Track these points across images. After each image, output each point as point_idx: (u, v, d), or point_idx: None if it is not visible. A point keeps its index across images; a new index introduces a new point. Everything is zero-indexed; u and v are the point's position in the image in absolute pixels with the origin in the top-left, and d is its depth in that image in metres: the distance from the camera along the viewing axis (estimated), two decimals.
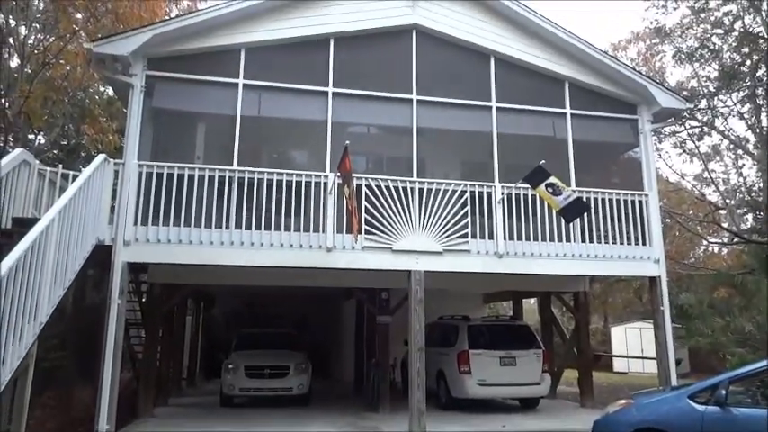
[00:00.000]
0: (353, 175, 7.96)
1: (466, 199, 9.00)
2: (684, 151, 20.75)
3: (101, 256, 7.78)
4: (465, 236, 8.86)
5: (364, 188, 8.65)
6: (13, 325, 5.41)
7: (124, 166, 8.11)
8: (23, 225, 6.85)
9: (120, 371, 7.95)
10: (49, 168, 8.63)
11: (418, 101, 9.31)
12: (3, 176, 7.08)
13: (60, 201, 6.69)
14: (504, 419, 9.45)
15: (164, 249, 8.00)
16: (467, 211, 8.95)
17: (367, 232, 8.48)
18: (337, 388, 14.33)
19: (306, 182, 8.54)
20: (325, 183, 8.59)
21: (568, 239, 9.22)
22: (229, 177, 8.39)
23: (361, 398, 11.79)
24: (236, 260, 8.17)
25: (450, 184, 9.03)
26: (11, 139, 13.13)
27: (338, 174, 8.11)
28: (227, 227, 8.21)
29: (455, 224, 8.87)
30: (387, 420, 9.32)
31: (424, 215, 8.79)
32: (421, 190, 8.89)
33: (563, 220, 8.86)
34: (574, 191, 9.19)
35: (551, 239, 9.15)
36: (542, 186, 8.27)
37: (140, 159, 8.21)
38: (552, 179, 8.24)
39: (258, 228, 8.27)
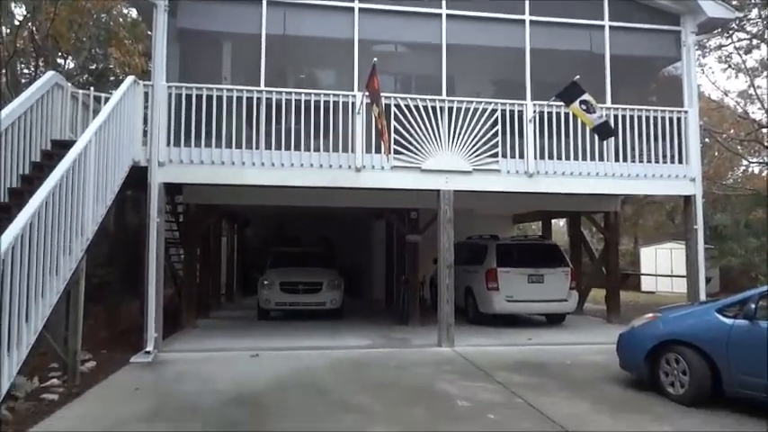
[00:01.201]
0: (382, 94, 7.85)
1: (496, 117, 8.83)
2: (730, 66, 19.62)
3: (138, 177, 8.01)
4: (495, 155, 8.78)
5: (393, 108, 8.55)
6: (62, 239, 5.73)
7: (153, 87, 8.16)
8: (62, 147, 7.08)
9: (163, 287, 8.40)
10: (81, 91, 8.75)
11: (448, 15, 8.95)
12: (40, 97, 7.21)
13: (95, 122, 6.85)
14: (530, 333, 9.75)
15: (196, 170, 8.18)
16: (497, 130, 8.81)
17: (396, 152, 8.47)
18: (368, 305, 14.89)
19: (333, 101, 8.47)
20: (353, 102, 8.51)
21: (602, 158, 9.04)
22: (257, 98, 8.37)
23: (392, 314, 12.26)
24: (265, 180, 8.31)
25: (481, 102, 8.84)
26: (41, 64, 13.23)
27: (366, 93, 8.01)
28: (256, 147, 8.30)
29: (485, 143, 8.77)
30: (416, 333, 9.73)
31: (454, 134, 8.69)
32: (450, 109, 8.74)
33: (596, 139, 8.68)
34: (608, 109, 8.94)
35: (584, 158, 8.99)
36: (576, 103, 8.04)
37: (168, 81, 8.23)
38: (586, 96, 8.00)
39: (287, 148, 8.33)
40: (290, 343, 8.65)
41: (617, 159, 9.09)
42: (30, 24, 13.30)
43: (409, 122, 8.57)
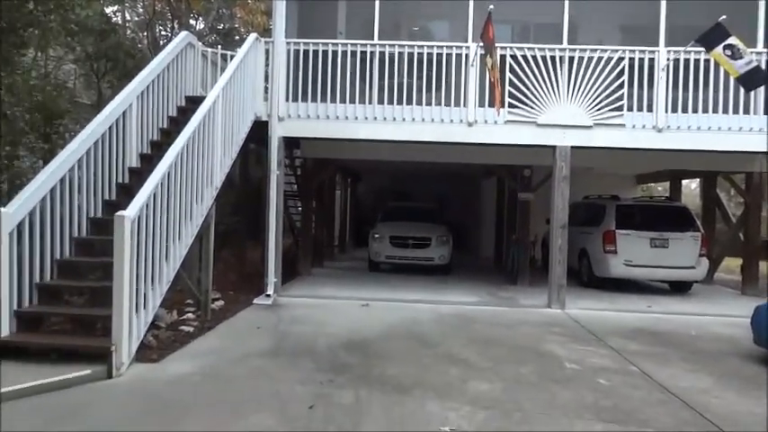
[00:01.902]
0: (496, 45, 7.53)
1: (623, 67, 8.13)
2: None
3: (260, 131, 8.48)
4: (619, 108, 8.14)
5: (508, 59, 8.18)
6: (196, 188, 6.27)
7: (273, 44, 8.47)
8: (194, 102, 7.65)
9: (282, 237, 8.94)
10: (210, 49, 9.34)
11: None
12: (176, 56, 7.80)
13: (222, 79, 7.29)
14: (649, 301, 9.19)
15: (312, 124, 8.48)
16: (623, 81, 8.13)
17: (510, 105, 8.16)
18: (476, 263, 14.82)
19: (447, 54, 8.28)
20: (466, 54, 8.26)
21: (747, 111, 8.05)
22: (370, 52, 8.41)
23: (500, 272, 12.12)
24: (378, 135, 8.42)
25: (606, 50, 8.17)
26: (176, 25, 14.25)
27: (480, 44, 7.72)
28: (369, 102, 8.39)
29: (608, 95, 8.15)
30: (525, 293, 9.55)
31: (574, 86, 8.16)
32: (571, 59, 8.18)
33: (741, 89, 7.70)
34: (760, 54, 7.86)
35: (724, 111, 8.06)
36: (719, 48, 7.15)
37: (287, 38, 8.50)
38: (732, 40, 7.08)
39: (399, 102, 8.34)
40: (398, 295, 8.89)
41: (766, 112, 8.03)
42: None
43: (525, 74, 8.17)
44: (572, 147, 8.16)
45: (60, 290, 5.51)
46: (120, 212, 4.72)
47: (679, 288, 10.40)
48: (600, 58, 8.12)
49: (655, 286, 10.86)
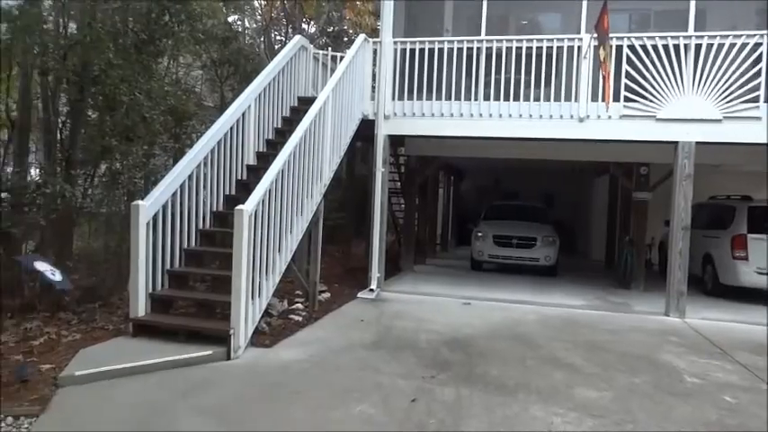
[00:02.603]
0: (611, 35, 7.13)
1: (760, 54, 7.35)
2: None
3: (366, 130, 8.70)
4: (754, 99, 7.37)
5: (625, 49, 7.70)
6: (306, 185, 6.59)
7: (381, 44, 8.64)
8: (306, 103, 8.03)
9: (385, 233, 9.12)
10: (321, 52, 9.74)
11: None
12: (289, 59, 8.23)
13: (332, 79, 7.57)
14: None
15: (417, 122, 8.55)
16: (759, 69, 7.35)
17: (627, 99, 7.69)
18: (585, 265, 14.14)
19: (557, 47, 7.96)
20: (579, 46, 7.89)
21: None
22: (477, 48, 8.31)
23: (611, 276, 11.46)
24: (483, 132, 8.30)
25: (740, 36, 7.43)
26: (290, 30, 15.00)
27: (594, 35, 7.36)
28: (475, 99, 8.31)
29: (741, 86, 7.40)
30: (639, 299, 8.97)
31: (700, 77, 7.51)
32: (698, 47, 7.53)
33: None
34: None
35: None
36: None
37: (394, 37, 8.63)
38: None
39: (506, 99, 8.16)
40: (500, 295, 8.73)
41: None
42: None
43: (644, 65, 7.65)
44: (696, 143, 7.53)
45: (187, 276, 6.06)
46: (239, 206, 5.08)
47: None
48: (732, 45, 7.40)
49: None
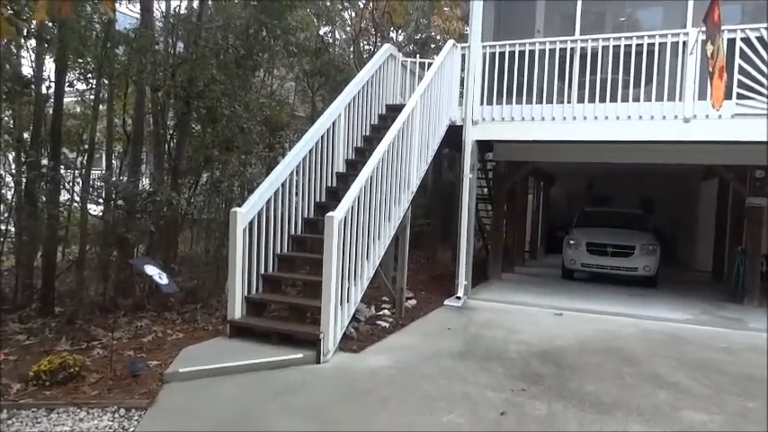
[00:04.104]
0: (723, 27, 6.57)
1: None
2: None
3: (453, 136, 8.63)
4: None
5: (738, 42, 7.09)
6: (394, 192, 6.64)
7: (469, 48, 8.55)
8: (394, 110, 8.10)
9: (473, 240, 8.98)
10: (409, 59, 9.81)
11: None
12: (378, 68, 8.37)
13: (420, 87, 7.59)
14: None
15: (506, 127, 8.35)
16: None
17: (739, 96, 7.07)
18: (689, 276, 13.13)
19: (659, 43, 7.48)
20: (684, 42, 7.37)
21: None
22: (570, 48, 7.99)
23: (720, 289, 10.56)
24: (576, 135, 7.97)
25: None
26: (378, 39, 15.24)
27: (702, 28, 6.82)
28: (568, 101, 7.99)
29: None
30: (754, 315, 8.18)
31: None
32: None
33: None
34: None
35: None
36: None
37: (483, 41, 8.51)
38: None
39: (602, 100, 7.78)
40: (594, 306, 8.30)
41: None
42: (371, 4, 15.39)
43: (761, 58, 7.00)
44: None
45: (279, 281, 6.30)
46: (330, 213, 5.22)
47: None
48: None
49: None
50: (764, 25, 7.08)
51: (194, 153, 7.16)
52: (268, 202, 6.09)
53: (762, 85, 7.01)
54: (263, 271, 6.07)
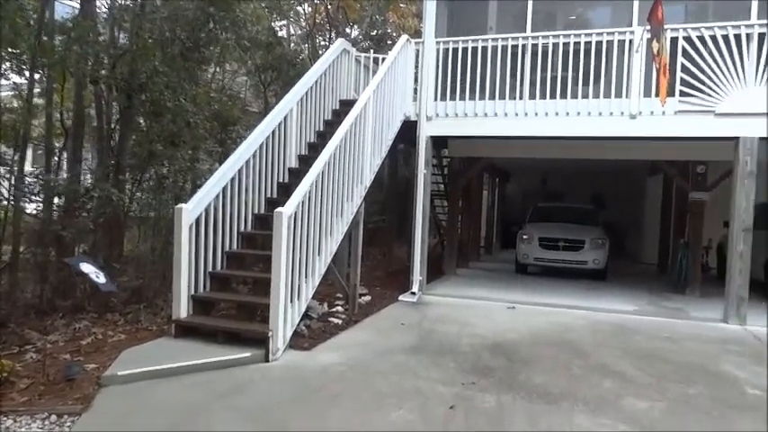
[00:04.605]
0: (666, 26, 6.77)
1: None
2: None
3: (408, 132, 8.61)
4: None
5: (681, 41, 7.32)
6: (346, 187, 6.55)
7: (423, 44, 8.54)
8: (348, 105, 8.01)
9: (428, 236, 8.99)
10: (363, 54, 9.73)
11: None
12: (331, 63, 8.26)
13: (373, 81, 7.53)
14: None
15: (460, 123, 8.39)
16: None
17: (682, 94, 7.30)
18: (636, 268, 13.57)
19: (607, 41, 7.64)
20: (630, 40, 7.55)
21: None
22: (522, 45, 8.09)
23: (664, 280, 10.95)
24: (529, 131, 8.07)
25: None
26: (333, 35, 15.09)
27: (647, 27, 7.01)
28: (520, 98, 8.08)
29: None
30: (694, 305, 8.50)
31: (764, 67, 7.05)
32: (761, 36, 7.07)
33: None
34: None
35: None
36: None
37: (437, 37, 8.52)
38: None
39: (553, 97, 7.90)
40: (546, 299, 8.44)
41: None
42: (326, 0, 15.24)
43: (702, 57, 7.24)
44: (760, 138, 7.07)
45: (228, 278, 6.13)
46: (279, 209, 5.09)
47: None
48: None
49: None
50: (706, 25, 7.33)
51: (138, 148, 6.88)
52: (216, 198, 5.91)
53: (703, 83, 7.26)
54: (210, 269, 5.89)
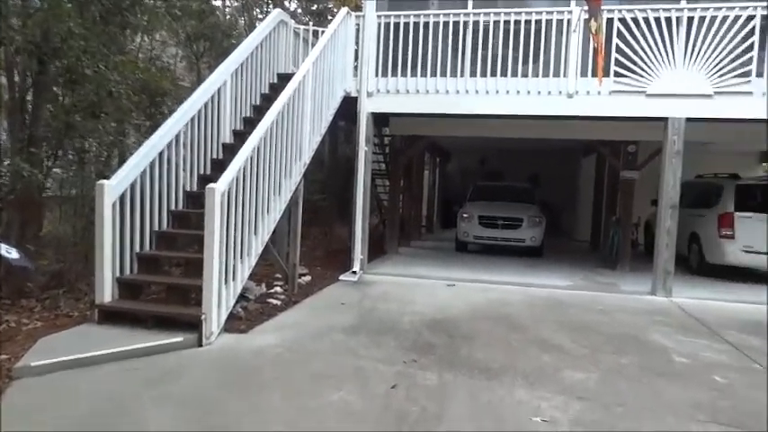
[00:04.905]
0: (603, 6, 6.87)
1: (753, 26, 7.15)
2: None
3: (349, 108, 8.40)
4: (746, 74, 7.18)
5: (616, 22, 7.47)
6: (284, 163, 6.30)
7: (364, 18, 8.30)
8: (285, 79, 7.68)
9: (369, 215, 8.88)
10: (302, 27, 9.38)
11: None
12: (268, 34, 7.89)
13: (312, 53, 7.25)
14: None
15: (401, 99, 8.26)
16: (752, 43, 7.15)
17: (616, 74, 7.47)
18: (571, 245, 14.05)
19: (546, 20, 7.69)
20: (568, 19, 7.63)
21: None
22: (464, 22, 8.02)
23: (597, 256, 11.38)
24: (470, 109, 8.05)
25: (733, 8, 7.21)
26: (271, 7, 14.50)
27: (585, 7, 7.09)
28: (461, 75, 8.04)
29: (733, 60, 7.21)
30: (625, 279, 8.86)
31: (692, 50, 7.30)
32: (690, 19, 7.31)
33: None
34: None
35: None
36: None
37: (378, 11, 8.31)
38: None
39: (493, 74, 7.91)
40: (486, 276, 8.55)
41: None
42: None
43: (635, 38, 7.42)
44: (687, 118, 7.35)
45: (158, 260, 5.78)
46: (211, 185, 4.81)
47: None
48: (725, 18, 7.18)
49: None
50: (639, 6, 7.50)
51: (53, 119, 6.31)
52: (143, 173, 5.52)
53: (636, 64, 7.45)
54: (138, 250, 5.53)
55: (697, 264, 9.54)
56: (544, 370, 4.38)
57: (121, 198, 5.25)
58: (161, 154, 5.75)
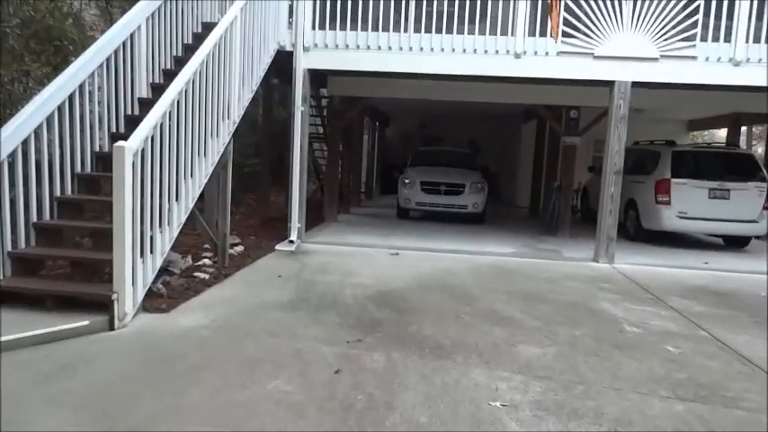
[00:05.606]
0: None
1: None
2: None
3: (283, 64, 7.71)
4: (691, 38, 7.09)
5: None
6: (210, 121, 5.60)
7: None
8: (210, 28, 6.87)
9: (307, 182, 8.31)
10: None
11: None
12: None
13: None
14: (704, 257, 8.37)
15: (341, 56, 7.67)
16: (697, 6, 7.04)
17: (564, 35, 7.19)
18: (511, 212, 14.06)
19: None
20: None
21: None
22: None
23: (538, 222, 11.38)
24: (413, 67, 7.57)
25: None
26: None
27: None
28: (404, 30, 7.51)
29: (678, 23, 7.09)
30: (567, 245, 8.83)
31: (639, 12, 7.11)
32: None
33: None
34: None
35: None
36: None
37: None
38: None
39: (438, 31, 7.43)
40: (429, 244, 8.26)
41: None
42: None
43: None
44: (633, 82, 7.21)
45: (62, 231, 5.01)
46: (119, 143, 4.10)
47: (734, 244, 9.55)
48: None
49: (706, 241, 10.01)
50: None
51: None
52: (39, 128, 4.69)
53: (585, 24, 7.19)
54: (35, 219, 4.74)
55: (634, 230, 9.66)
56: (498, 346, 4.09)
57: (12, 156, 4.43)
58: (60, 107, 4.92)
